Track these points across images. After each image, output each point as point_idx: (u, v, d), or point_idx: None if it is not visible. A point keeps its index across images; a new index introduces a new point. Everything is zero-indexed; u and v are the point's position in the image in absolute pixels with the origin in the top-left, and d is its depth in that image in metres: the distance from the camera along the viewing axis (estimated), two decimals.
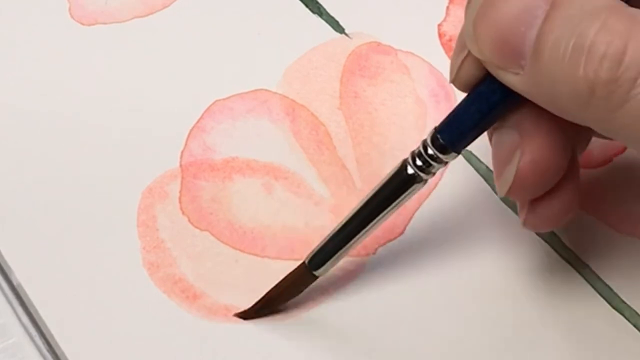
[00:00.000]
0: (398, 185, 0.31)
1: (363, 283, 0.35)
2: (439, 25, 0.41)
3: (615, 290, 0.35)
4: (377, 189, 0.32)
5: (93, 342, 0.33)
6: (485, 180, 0.37)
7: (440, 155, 0.30)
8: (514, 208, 0.36)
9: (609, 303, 0.35)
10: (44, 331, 0.33)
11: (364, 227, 0.32)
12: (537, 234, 0.36)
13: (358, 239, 0.32)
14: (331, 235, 0.33)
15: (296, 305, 0.34)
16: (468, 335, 0.34)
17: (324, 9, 0.42)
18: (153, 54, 0.40)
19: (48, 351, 0.33)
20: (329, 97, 0.39)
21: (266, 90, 0.39)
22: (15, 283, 0.34)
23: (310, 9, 0.42)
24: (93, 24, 0.41)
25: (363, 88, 0.39)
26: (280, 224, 0.36)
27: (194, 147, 0.37)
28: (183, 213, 0.36)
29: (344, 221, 0.32)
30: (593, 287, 0.35)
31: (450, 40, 0.41)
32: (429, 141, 0.30)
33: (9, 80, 0.39)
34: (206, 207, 0.36)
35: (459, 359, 0.33)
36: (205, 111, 0.38)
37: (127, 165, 0.37)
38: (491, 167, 0.37)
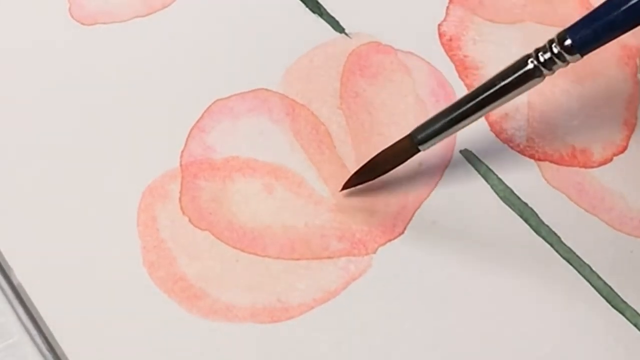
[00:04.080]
0: (517, 78, 0.33)
1: (363, 282, 0.35)
2: (439, 25, 0.41)
3: (615, 290, 0.35)
4: (494, 78, 0.34)
5: (93, 342, 0.33)
6: (485, 180, 0.37)
7: (566, 55, 0.32)
8: (514, 208, 0.36)
9: (609, 303, 0.35)
10: (44, 331, 0.33)
11: (474, 112, 0.34)
12: (537, 233, 0.36)
13: (465, 123, 0.34)
14: (440, 114, 0.35)
15: (296, 305, 0.34)
16: (468, 333, 0.34)
17: (324, 9, 0.42)
18: (153, 53, 0.40)
19: (48, 351, 0.33)
20: (329, 96, 0.39)
21: (266, 89, 0.39)
22: (15, 283, 0.34)
23: (310, 9, 0.42)
24: (93, 24, 0.41)
25: (363, 88, 0.39)
26: (280, 224, 0.36)
27: (194, 147, 0.37)
28: (183, 213, 0.36)
29: (455, 103, 0.34)
30: (593, 286, 0.35)
31: (450, 40, 0.41)
32: (556, 40, 0.33)
33: (8, 79, 0.39)
34: (206, 207, 0.36)
35: (458, 357, 0.33)
36: (206, 111, 0.38)
37: (127, 165, 0.37)
38: (491, 167, 0.37)
